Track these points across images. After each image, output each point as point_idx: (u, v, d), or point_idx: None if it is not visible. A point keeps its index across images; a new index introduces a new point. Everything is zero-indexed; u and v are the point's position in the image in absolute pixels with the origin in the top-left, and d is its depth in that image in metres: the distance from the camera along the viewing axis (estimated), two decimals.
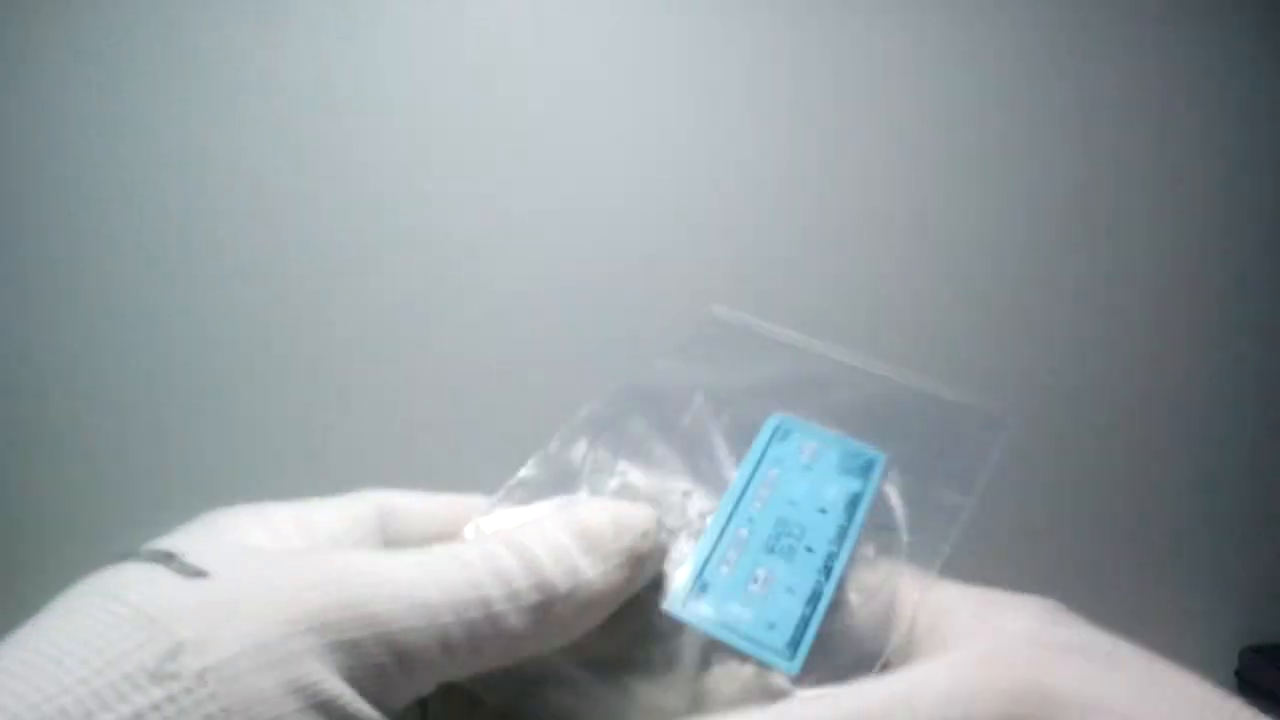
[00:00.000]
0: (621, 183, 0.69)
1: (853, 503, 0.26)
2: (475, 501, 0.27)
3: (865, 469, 0.26)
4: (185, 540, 0.22)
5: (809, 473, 0.26)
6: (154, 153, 0.66)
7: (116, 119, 0.65)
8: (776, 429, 0.27)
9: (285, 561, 0.21)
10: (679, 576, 0.25)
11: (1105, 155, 0.74)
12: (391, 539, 0.25)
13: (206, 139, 0.66)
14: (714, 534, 0.26)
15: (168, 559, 0.20)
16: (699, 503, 0.27)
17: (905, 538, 0.26)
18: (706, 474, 0.27)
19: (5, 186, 0.65)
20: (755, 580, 0.25)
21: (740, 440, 0.27)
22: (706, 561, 0.25)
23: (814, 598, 0.24)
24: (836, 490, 0.26)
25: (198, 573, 0.20)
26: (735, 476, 0.27)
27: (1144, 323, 0.77)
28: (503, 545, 0.23)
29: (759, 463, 0.27)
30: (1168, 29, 0.71)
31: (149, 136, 0.65)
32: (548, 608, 0.23)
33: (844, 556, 0.25)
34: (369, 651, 0.20)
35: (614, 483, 0.28)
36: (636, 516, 0.25)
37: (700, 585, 0.25)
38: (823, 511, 0.26)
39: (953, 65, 0.70)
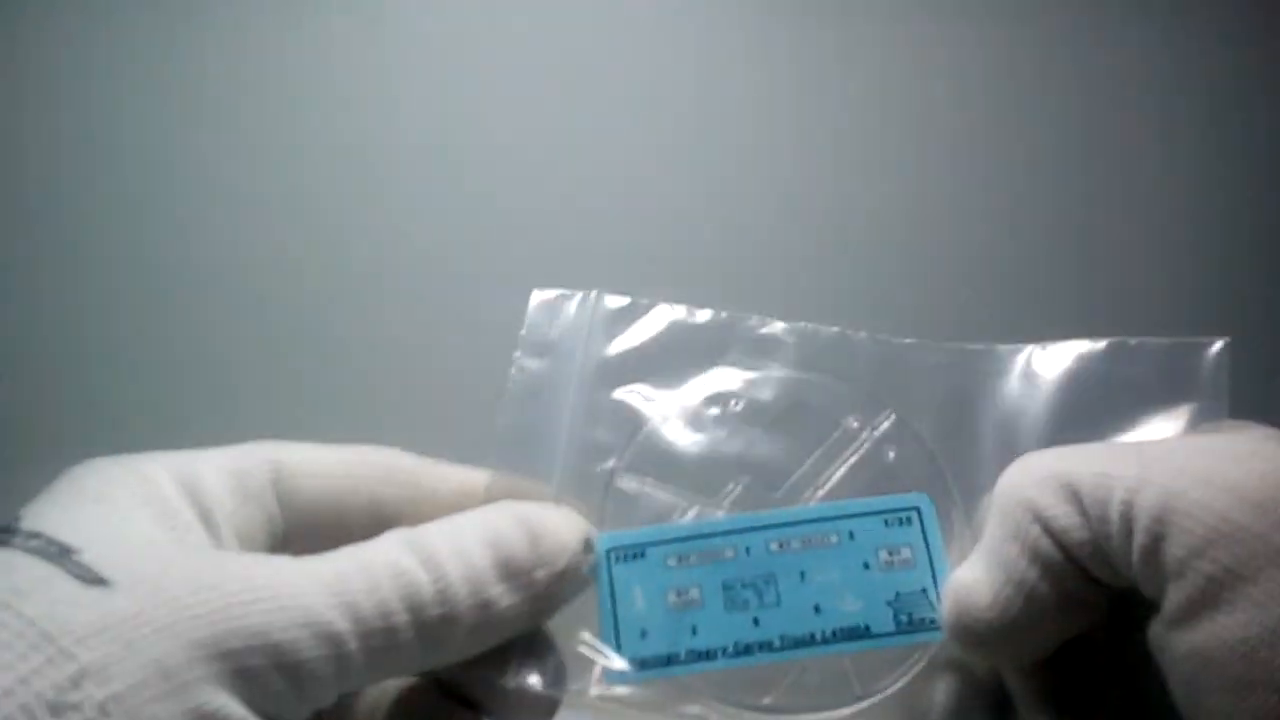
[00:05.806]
0: (622, 183, 0.69)
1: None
2: (374, 459, 0.26)
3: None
4: (69, 518, 0.21)
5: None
6: (151, 153, 0.66)
7: (114, 119, 0.65)
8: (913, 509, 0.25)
9: (187, 573, 0.20)
10: None
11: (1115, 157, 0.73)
12: (284, 497, 0.25)
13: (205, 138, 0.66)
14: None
15: (63, 557, 0.20)
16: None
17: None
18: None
19: (5, 187, 0.65)
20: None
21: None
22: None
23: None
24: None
25: (97, 580, 0.19)
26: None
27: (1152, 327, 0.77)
28: (416, 561, 0.23)
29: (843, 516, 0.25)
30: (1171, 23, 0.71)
31: (146, 137, 0.65)
32: (450, 633, 0.23)
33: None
34: (267, 679, 0.20)
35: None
36: (563, 541, 0.24)
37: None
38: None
39: (956, 65, 0.70)
